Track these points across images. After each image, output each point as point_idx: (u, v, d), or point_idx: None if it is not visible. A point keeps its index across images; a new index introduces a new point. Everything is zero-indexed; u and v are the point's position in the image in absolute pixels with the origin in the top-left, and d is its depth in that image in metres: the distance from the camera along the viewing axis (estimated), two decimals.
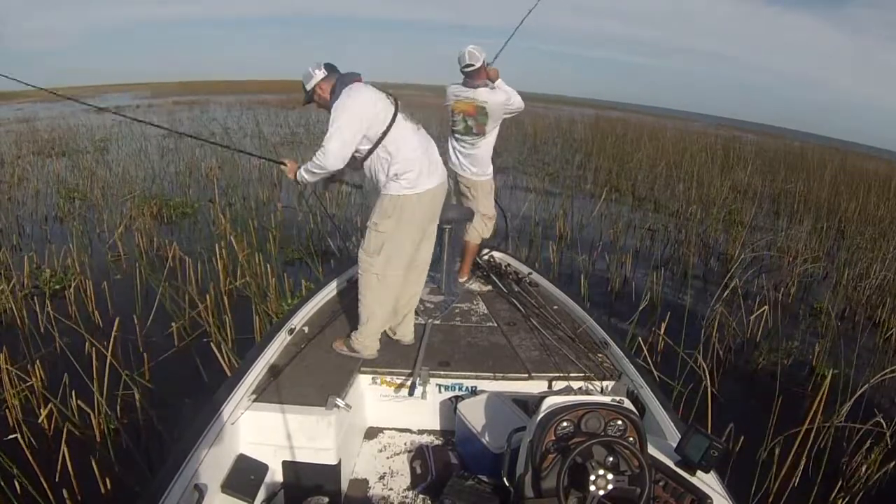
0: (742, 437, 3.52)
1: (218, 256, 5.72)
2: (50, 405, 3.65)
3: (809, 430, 3.51)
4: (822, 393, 3.60)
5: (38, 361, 3.99)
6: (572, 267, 6.97)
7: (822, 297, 6.65)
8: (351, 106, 2.82)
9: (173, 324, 4.77)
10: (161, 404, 3.88)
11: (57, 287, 5.56)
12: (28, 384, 3.83)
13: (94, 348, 4.00)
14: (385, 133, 2.87)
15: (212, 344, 4.34)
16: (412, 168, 2.88)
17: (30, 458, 3.16)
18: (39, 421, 3.64)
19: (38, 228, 7.93)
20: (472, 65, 3.89)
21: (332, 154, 2.81)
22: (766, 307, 5.39)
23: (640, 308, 5.36)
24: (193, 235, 7.50)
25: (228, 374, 4.13)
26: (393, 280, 3.10)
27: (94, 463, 3.16)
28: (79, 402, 3.64)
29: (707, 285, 6.70)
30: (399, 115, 2.92)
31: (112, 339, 4.08)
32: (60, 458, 3.20)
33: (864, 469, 3.55)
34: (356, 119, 2.82)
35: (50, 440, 3.58)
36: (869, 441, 3.64)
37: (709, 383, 3.77)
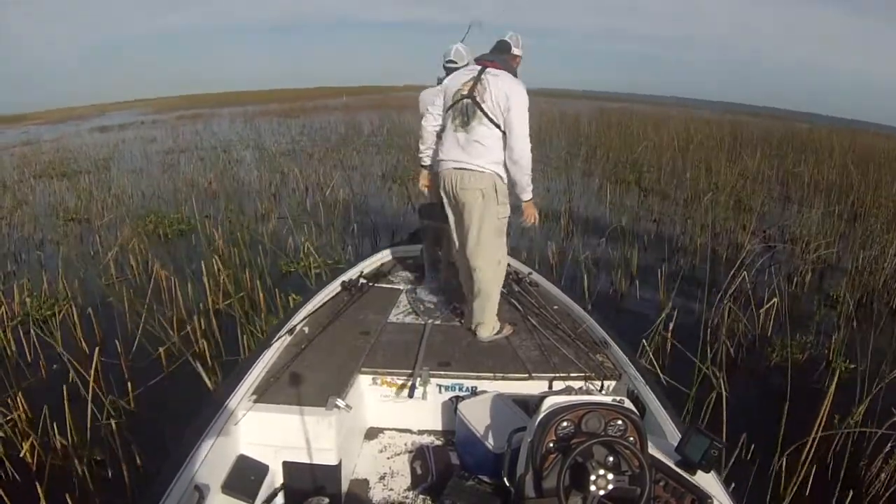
0: (754, 445, 3.33)
1: (206, 274, 5.59)
2: (31, 439, 3.52)
3: (825, 434, 3.31)
4: (830, 395, 3.39)
5: (20, 392, 3.88)
6: (576, 262, 6.75)
7: (837, 286, 6.37)
8: None
9: (160, 348, 4.63)
10: (144, 434, 3.73)
11: (47, 314, 5.43)
12: (9, 418, 3.71)
13: (78, 377, 3.90)
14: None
15: (198, 368, 4.22)
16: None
17: (5, 497, 3.04)
18: (21, 455, 3.51)
19: (34, 253, 7.80)
20: (455, 63, 3.76)
21: None
22: (777, 299, 5.17)
23: (646, 305, 5.18)
24: (188, 253, 7.31)
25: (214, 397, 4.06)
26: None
27: (72, 499, 3.04)
28: (60, 433, 3.52)
29: (716, 277, 6.47)
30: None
31: (96, 367, 3.98)
32: (42, 495, 3.06)
33: (882, 476, 3.32)
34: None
35: (32, 475, 3.42)
36: (889, 444, 3.41)
37: (722, 389, 3.55)
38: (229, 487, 2.31)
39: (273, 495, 2.54)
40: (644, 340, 4.46)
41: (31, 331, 4.94)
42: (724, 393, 3.62)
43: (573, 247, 7.54)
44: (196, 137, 21.25)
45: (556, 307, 3.83)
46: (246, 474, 2.41)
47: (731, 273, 5.20)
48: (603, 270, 6.82)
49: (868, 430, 3.54)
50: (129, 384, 4.13)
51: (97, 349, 4.19)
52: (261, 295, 5.26)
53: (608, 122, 23.25)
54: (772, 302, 5.14)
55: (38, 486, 3.08)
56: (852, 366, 4.46)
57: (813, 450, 3.27)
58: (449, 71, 3.79)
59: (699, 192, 10.64)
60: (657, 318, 4.77)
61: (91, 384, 3.78)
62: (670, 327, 4.65)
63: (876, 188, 11.26)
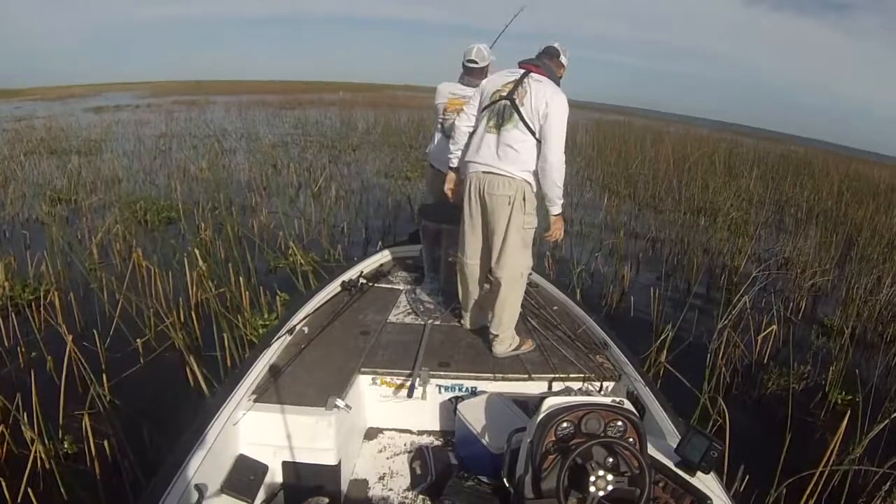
0: (749, 476, 3.23)
1: (189, 266, 5.43)
2: (0, 428, 3.38)
3: (822, 469, 3.23)
4: (838, 435, 3.29)
5: None
6: (568, 280, 6.63)
7: (832, 314, 6.35)
8: None
9: (138, 340, 4.49)
10: (116, 428, 3.59)
11: (30, 298, 5.24)
12: None
13: (55, 366, 3.79)
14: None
15: (175, 361, 4.18)
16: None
17: None
18: None
19: (19, 233, 7.55)
20: (476, 62, 3.79)
21: None
22: (775, 326, 5.10)
23: (641, 328, 5.11)
24: (174, 242, 7.09)
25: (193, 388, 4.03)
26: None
27: (36, 494, 2.93)
28: (31, 424, 3.36)
29: (711, 300, 6.39)
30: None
31: (72, 356, 3.83)
32: (6, 489, 2.95)
33: None
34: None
35: (1, 467, 3.30)
36: (888, 483, 3.33)
37: (726, 420, 3.46)
38: (229, 487, 2.31)
39: (273, 495, 2.55)
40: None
41: (11, 316, 4.79)
42: (721, 421, 3.52)
43: (566, 259, 7.47)
44: (190, 124, 21.08)
45: (555, 308, 3.88)
46: (246, 474, 2.41)
47: (728, 297, 5.14)
48: (595, 291, 6.66)
49: (864, 468, 3.47)
50: (105, 375, 4.00)
51: (71, 338, 4.01)
52: (244, 290, 5.13)
53: (605, 134, 23.21)
54: (769, 329, 5.06)
55: (3, 481, 2.96)
56: (848, 398, 4.40)
57: (819, 486, 3.20)
58: (467, 71, 3.83)
59: (695, 211, 10.61)
60: (652, 342, 4.69)
61: (64, 374, 3.66)
62: (664, 352, 4.57)
63: (871, 217, 11.24)
